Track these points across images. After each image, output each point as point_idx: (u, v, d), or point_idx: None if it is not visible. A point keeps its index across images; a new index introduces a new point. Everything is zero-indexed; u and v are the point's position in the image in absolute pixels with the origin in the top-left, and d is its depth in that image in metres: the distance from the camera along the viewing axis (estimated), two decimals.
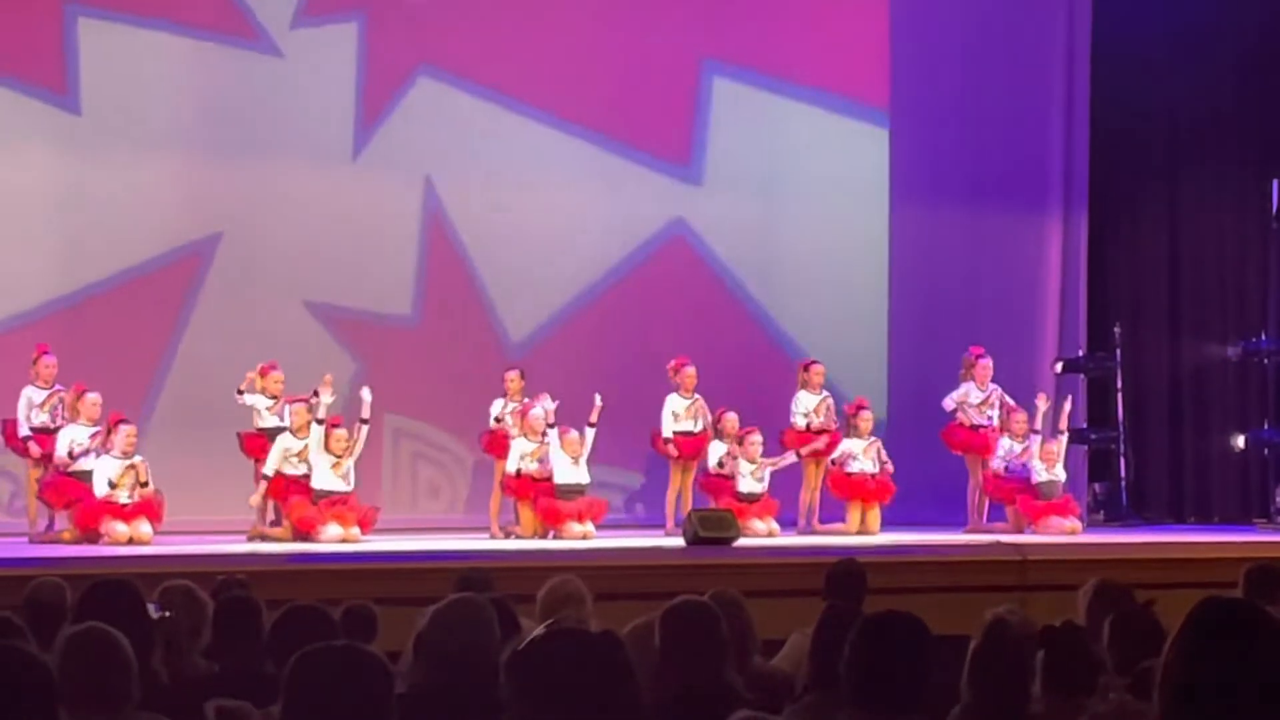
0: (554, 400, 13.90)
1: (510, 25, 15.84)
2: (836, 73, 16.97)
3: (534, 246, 15.87)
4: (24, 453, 13.30)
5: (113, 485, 12.64)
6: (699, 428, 14.51)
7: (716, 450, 14.48)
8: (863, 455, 14.75)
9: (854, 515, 14.68)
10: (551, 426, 13.83)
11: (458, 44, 15.77)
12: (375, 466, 15.12)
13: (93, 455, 12.81)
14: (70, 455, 12.84)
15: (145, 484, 12.72)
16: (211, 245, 15.21)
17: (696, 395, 14.55)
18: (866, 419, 14.81)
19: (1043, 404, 14.96)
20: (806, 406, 14.85)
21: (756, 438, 14.42)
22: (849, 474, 14.72)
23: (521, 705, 4.18)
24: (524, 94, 15.89)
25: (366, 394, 13.46)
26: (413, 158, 15.72)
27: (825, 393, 14.93)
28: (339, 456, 13.22)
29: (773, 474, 14.47)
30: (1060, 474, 14.91)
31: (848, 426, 14.80)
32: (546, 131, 15.99)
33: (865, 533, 14.51)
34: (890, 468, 14.81)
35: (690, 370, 14.55)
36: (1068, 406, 15.37)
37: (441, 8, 15.78)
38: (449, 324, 15.70)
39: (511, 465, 13.84)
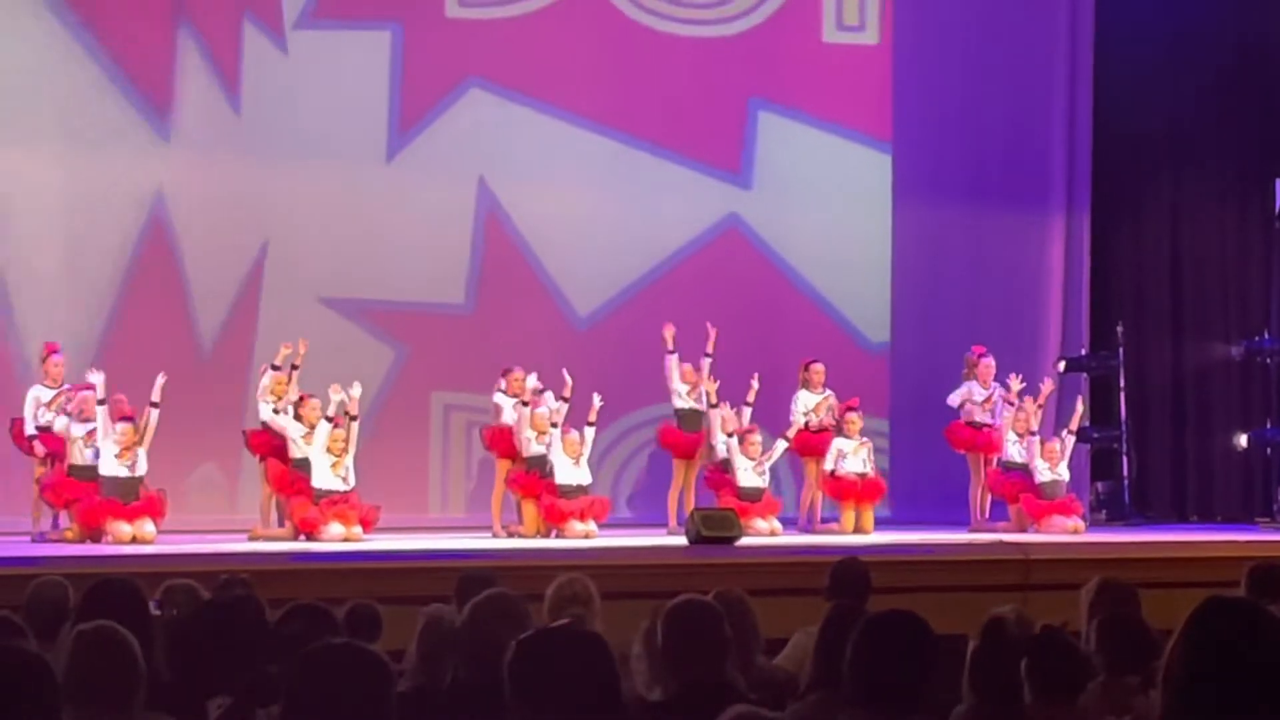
0: (559, 400, 13.99)
1: (560, 43, 16.22)
2: (839, 71, 17.01)
3: (593, 239, 16.24)
4: (29, 451, 13.32)
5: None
6: (700, 426, 14.55)
7: (719, 437, 14.51)
8: (852, 455, 14.74)
9: (848, 516, 14.69)
10: (554, 425, 13.87)
11: (514, 61, 16.12)
12: (423, 446, 15.59)
13: (61, 418, 12.88)
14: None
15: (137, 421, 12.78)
16: (255, 247, 15.38)
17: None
18: (854, 421, 14.79)
19: (1032, 408, 14.95)
20: (806, 405, 14.87)
21: (756, 437, 14.45)
22: (838, 475, 14.73)
23: (517, 703, 4.19)
24: (569, 104, 16.28)
25: (356, 390, 13.48)
26: (462, 161, 16.02)
27: (827, 391, 14.93)
28: (337, 456, 13.24)
29: (772, 468, 14.51)
30: (1063, 473, 14.91)
31: (838, 426, 14.80)
32: (591, 137, 16.36)
33: (859, 533, 14.52)
34: (875, 473, 14.82)
35: (687, 367, 14.61)
36: (1080, 408, 15.38)
37: (499, 28, 16.11)
38: (507, 309, 15.96)
39: (526, 450, 13.90)
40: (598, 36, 16.44)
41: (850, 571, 7.84)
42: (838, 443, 14.75)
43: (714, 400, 14.48)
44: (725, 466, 14.50)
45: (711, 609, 5.42)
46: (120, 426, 12.81)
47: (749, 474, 14.34)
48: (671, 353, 14.60)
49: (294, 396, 13.48)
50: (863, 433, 14.87)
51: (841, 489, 14.72)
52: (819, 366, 14.97)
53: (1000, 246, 17.27)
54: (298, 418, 13.45)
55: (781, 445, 14.58)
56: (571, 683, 4.19)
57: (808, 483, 14.94)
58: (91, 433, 12.87)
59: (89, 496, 12.71)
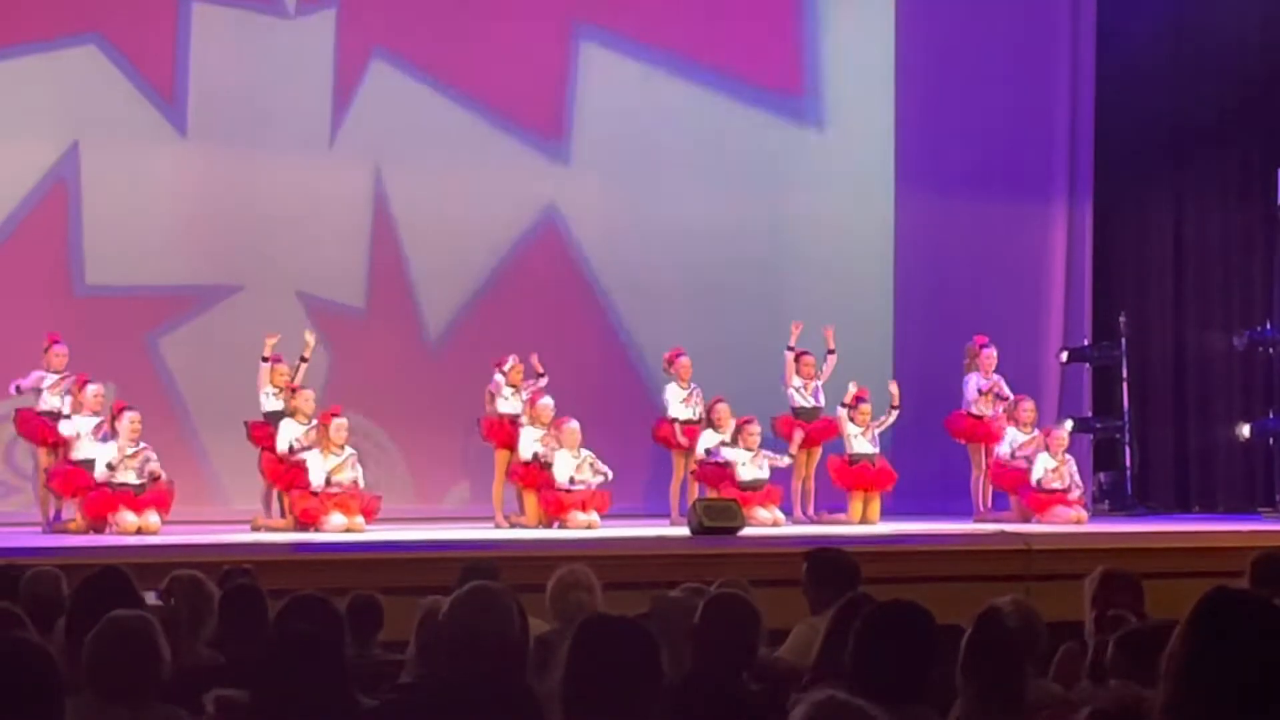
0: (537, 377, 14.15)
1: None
2: (843, 60, 17.01)
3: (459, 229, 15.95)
4: (35, 440, 13.34)
5: (111, 468, 12.66)
6: (696, 416, 14.54)
7: (706, 440, 14.45)
8: (861, 436, 14.73)
9: (855, 506, 14.69)
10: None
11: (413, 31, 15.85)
12: None
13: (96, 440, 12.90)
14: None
15: (156, 478, 12.75)
16: (206, 234, 15.29)
17: (693, 385, 14.60)
18: (866, 411, 14.78)
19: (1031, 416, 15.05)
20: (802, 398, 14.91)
21: (755, 428, 14.43)
22: (851, 464, 14.70)
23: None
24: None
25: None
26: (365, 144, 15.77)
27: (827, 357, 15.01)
28: (340, 447, 13.27)
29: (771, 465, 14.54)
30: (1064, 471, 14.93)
31: (848, 415, 14.77)
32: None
33: (865, 523, 14.51)
34: (882, 460, 14.83)
35: (685, 360, 14.60)
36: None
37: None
38: (385, 316, 15.77)
39: (526, 452, 13.86)
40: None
41: (832, 562, 7.70)
42: (848, 428, 14.74)
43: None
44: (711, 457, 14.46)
45: (749, 605, 5.41)
46: (129, 415, 12.82)
47: (748, 467, 14.30)
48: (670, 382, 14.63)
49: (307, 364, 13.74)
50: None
51: (854, 477, 14.70)
52: (809, 358, 14.96)
53: (1003, 236, 17.27)
54: (291, 409, 13.48)
55: (785, 460, 14.56)
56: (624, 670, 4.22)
57: (796, 471, 14.91)
58: (98, 425, 12.92)
59: (99, 487, 12.71)
